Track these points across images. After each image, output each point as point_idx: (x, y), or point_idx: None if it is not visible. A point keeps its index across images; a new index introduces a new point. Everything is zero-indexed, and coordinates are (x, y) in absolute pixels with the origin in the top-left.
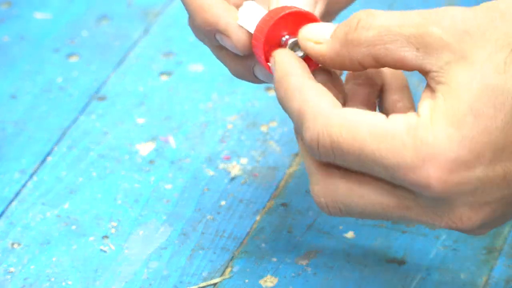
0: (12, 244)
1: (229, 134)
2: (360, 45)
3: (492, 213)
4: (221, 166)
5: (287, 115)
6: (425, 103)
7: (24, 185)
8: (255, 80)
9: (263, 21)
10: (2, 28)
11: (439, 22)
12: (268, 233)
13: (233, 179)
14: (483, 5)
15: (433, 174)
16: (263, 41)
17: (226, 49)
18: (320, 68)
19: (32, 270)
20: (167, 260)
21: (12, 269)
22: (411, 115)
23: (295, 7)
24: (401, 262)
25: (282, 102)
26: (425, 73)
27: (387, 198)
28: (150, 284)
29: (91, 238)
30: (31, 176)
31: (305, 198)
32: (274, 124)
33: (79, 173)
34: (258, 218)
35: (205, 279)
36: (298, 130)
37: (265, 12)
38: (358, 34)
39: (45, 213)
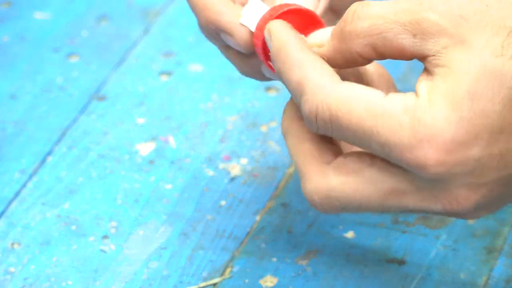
0: (12, 244)
1: (229, 134)
2: (358, 37)
3: (489, 193)
4: (221, 166)
5: None
6: (423, 85)
7: (24, 185)
8: (263, 78)
9: (263, 19)
10: (2, 28)
11: (434, 8)
12: (268, 233)
13: (233, 179)
14: None
15: (430, 155)
16: (263, 39)
17: (233, 48)
18: None
19: (32, 270)
20: (167, 260)
21: (12, 269)
22: (409, 95)
23: (295, 4)
24: (401, 262)
25: (280, 74)
26: (423, 58)
27: (382, 185)
28: (150, 284)
29: (91, 238)
30: (31, 176)
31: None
32: (274, 124)
33: (79, 173)
34: (258, 218)
35: (205, 279)
36: (296, 101)
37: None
38: (354, 26)
39: (45, 213)
